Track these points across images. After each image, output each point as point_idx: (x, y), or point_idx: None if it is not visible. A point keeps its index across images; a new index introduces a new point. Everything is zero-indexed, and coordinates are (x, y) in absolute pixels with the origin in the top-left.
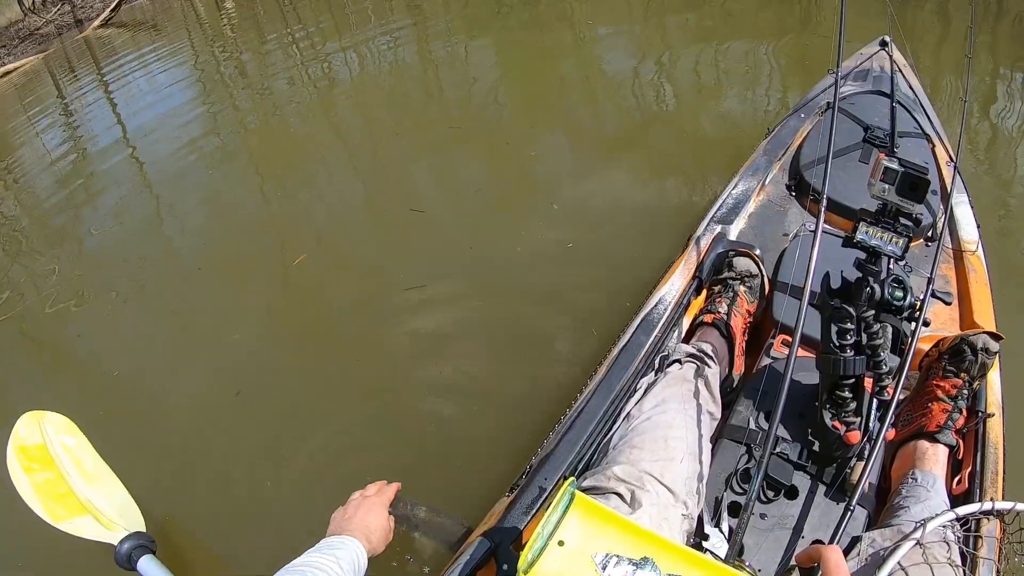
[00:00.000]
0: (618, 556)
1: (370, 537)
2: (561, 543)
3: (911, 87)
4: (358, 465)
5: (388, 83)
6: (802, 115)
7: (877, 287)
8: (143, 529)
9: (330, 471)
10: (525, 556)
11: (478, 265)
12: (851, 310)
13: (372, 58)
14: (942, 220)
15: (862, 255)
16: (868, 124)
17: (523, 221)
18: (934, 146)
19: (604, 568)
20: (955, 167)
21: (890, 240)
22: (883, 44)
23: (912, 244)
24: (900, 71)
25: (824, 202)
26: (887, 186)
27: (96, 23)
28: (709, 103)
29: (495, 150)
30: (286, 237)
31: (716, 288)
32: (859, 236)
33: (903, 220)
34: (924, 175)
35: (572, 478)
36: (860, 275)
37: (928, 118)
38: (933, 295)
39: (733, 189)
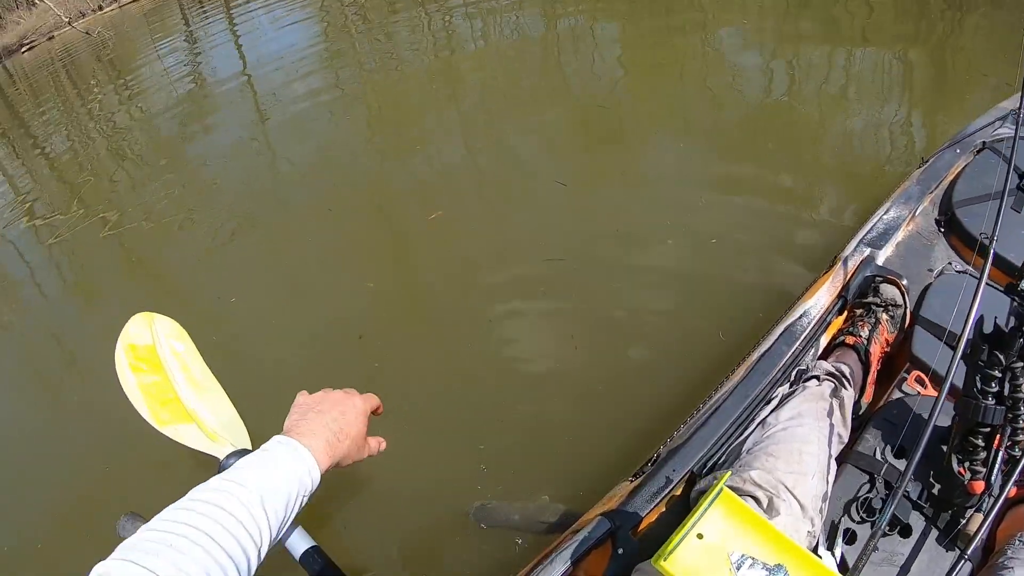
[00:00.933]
0: (753, 559)
1: (336, 441)
2: (700, 536)
3: None
4: (469, 432)
5: (522, 48)
6: (957, 150)
7: None
8: (249, 447)
9: (441, 432)
10: (668, 547)
11: (621, 248)
12: (1001, 358)
13: (496, 24)
14: None
15: (1011, 303)
16: (1023, 172)
17: (670, 212)
18: None
19: (739, 568)
20: None
21: None
22: None
23: None
24: None
25: (991, 256)
26: None
27: None
28: (835, 120)
29: (637, 137)
30: (417, 191)
31: (858, 311)
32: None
33: None
34: None
35: (728, 472)
36: (1015, 324)
37: None
38: None
39: (885, 214)
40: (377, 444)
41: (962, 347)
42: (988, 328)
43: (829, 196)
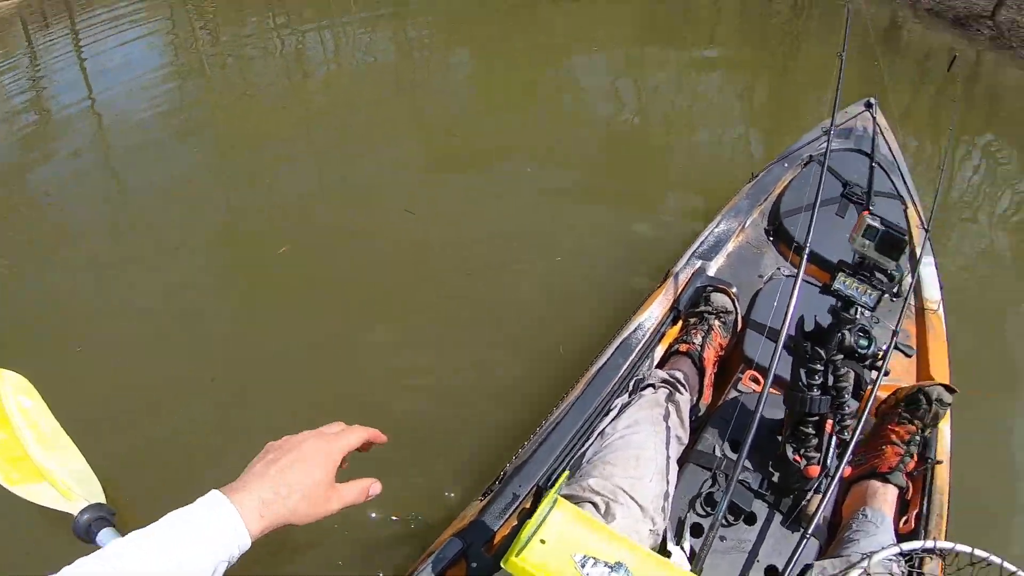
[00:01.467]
0: (595, 559)
1: (274, 498)
2: (543, 541)
3: (891, 149)
4: None
5: (374, 73)
6: (785, 164)
7: (848, 334)
8: (103, 500)
9: None
10: (514, 549)
11: (467, 276)
12: (822, 352)
13: (349, 44)
14: (909, 279)
15: (832, 301)
16: (847, 180)
17: (517, 233)
18: (907, 208)
19: (583, 567)
20: (926, 232)
21: (865, 292)
22: (868, 105)
23: None
24: (882, 133)
25: (807, 253)
26: (868, 242)
27: None
28: (680, 138)
29: (487, 162)
30: (267, 223)
31: (692, 320)
32: (836, 285)
33: (878, 275)
34: (903, 236)
35: (564, 475)
36: (833, 321)
37: (904, 181)
38: (896, 347)
39: (715, 228)
40: (359, 492)
41: (781, 341)
42: (809, 326)
43: (670, 212)
